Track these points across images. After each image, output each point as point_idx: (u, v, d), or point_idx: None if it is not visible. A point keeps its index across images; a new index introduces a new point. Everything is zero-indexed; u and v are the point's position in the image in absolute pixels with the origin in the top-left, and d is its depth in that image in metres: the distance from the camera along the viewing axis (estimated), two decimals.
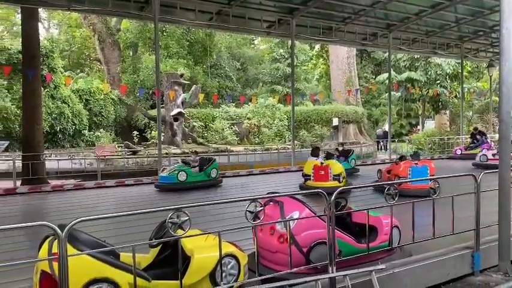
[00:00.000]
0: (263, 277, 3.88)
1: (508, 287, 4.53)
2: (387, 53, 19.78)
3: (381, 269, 3.94)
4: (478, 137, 17.32)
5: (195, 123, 23.90)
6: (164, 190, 10.77)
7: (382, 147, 27.40)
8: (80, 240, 3.47)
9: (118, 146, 21.60)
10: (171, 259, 3.90)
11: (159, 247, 4.04)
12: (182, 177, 10.88)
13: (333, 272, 3.95)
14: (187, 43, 30.61)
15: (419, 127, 32.18)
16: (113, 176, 13.36)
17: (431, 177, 5.13)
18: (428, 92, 28.41)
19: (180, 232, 3.55)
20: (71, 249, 3.09)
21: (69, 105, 23.28)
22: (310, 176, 10.35)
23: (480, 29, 19.82)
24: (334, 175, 10.00)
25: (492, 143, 16.84)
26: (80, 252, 3.19)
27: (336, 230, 4.15)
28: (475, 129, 19.19)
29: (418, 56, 27.70)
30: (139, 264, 3.94)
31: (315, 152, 11.41)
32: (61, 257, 2.89)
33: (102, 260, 3.31)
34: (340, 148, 13.38)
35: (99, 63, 35.71)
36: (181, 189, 10.71)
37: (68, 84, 23.19)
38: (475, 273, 4.99)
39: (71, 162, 14.44)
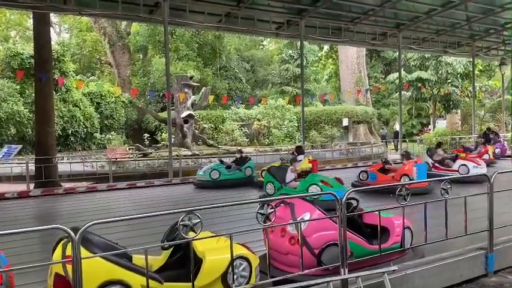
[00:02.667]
0: (274, 279, 3.88)
1: None
2: (397, 53, 19.66)
3: (393, 270, 3.91)
4: (491, 136, 17.11)
5: (205, 125, 23.98)
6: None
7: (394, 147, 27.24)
8: (93, 243, 3.51)
9: (129, 149, 21.75)
10: (183, 261, 3.92)
11: (170, 249, 4.07)
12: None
13: (344, 274, 3.93)
14: (197, 45, 30.72)
15: (430, 127, 31.90)
16: (124, 178, 13.46)
17: (445, 177, 5.09)
18: (439, 91, 28.18)
19: (191, 234, 3.57)
20: (84, 252, 3.13)
21: (80, 109, 23.51)
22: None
23: (491, 27, 19.61)
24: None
25: (505, 142, 16.67)
26: (93, 255, 3.23)
27: (347, 232, 4.14)
28: (488, 129, 19.01)
29: (429, 55, 27.49)
30: (152, 267, 3.97)
31: (300, 150, 11.87)
32: (75, 260, 2.93)
33: (115, 262, 3.35)
34: (238, 155, 12.65)
35: (109, 67, 36.02)
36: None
37: (79, 88, 23.45)
38: (488, 274, 4.93)
39: (83, 165, 14.57)
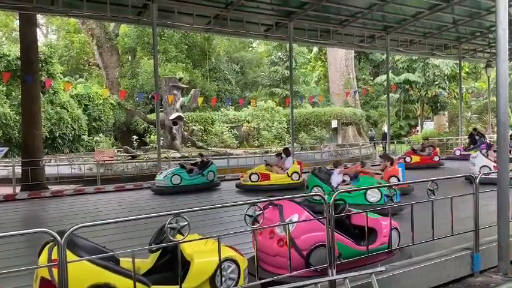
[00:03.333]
0: (263, 281, 3.88)
1: (507, 287, 4.54)
2: (385, 55, 19.83)
3: (381, 271, 3.94)
4: (476, 137, 17.34)
5: (194, 127, 23.91)
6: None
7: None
8: (80, 246, 3.48)
9: (117, 151, 21.60)
10: (171, 264, 3.90)
11: (158, 252, 4.04)
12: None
13: (332, 275, 3.95)
14: (186, 47, 30.65)
15: (418, 128, 32.22)
16: (112, 181, 13.36)
17: (432, 178, 5.14)
18: (426, 93, 28.48)
19: (179, 237, 3.56)
20: (70, 256, 3.10)
21: (68, 111, 23.29)
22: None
23: (477, 29, 19.88)
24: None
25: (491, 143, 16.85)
26: (79, 259, 3.19)
27: (335, 233, 4.16)
28: (474, 129, 19.26)
29: (416, 58, 27.77)
30: (139, 270, 3.95)
31: (287, 152, 11.95)
32: (61, 264, 2.90)
33: (102, 265, 3.32)
34: (199, 159, 12.05)
35: (97, 68, 35.76)
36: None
37: (67, 90, 23.23)
38: (474, 274, 4.98)
39: (70, 168, 14.44)
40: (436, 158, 15.19)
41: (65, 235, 2.91)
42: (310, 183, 8.64)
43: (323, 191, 7.91)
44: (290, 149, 13.30)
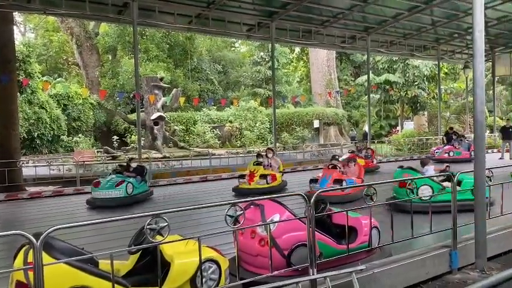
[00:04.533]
0: (244, 281, 3.87)
1: (484, 284, 4.62)
2: (366, 56, 20.05)
3: (361, 269, 3.96)
4: (454, 136, 17.60)
5: (176, 127, 23.73)
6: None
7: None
8: (57, 249, 3.41)
9: (97, 151, 21.29)
10: (151, 265, 3.86)
11: (138, 254, 4.00)
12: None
13: (313, 274, 3.97)
14: (168, 46, 30.40)
15: (398, 128, 32.65)
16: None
17: (410, 178, 5.21)
18: (406, 94, 28.88)
19: (159, 238, 3.52)
20: (47, 258, 3.04)
21: (47, 111, 22.84)
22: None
23: (455, 31, 20.27)
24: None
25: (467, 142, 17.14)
26: (56, 261, 3.13)
27: (316, 232, 4.17)
28: (450, 128, 19.56)
29: (396, 58, 28.14)
30: (119, 272, 3.89)
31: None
32: (36, 267, 2.83)
33: (79, 268, 3.26)
34: (134, 164, 10.38)
35: (77, 68, 35.18)
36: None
37: (45, 89, 22.77)
38: (453, 271, 5.07)
39: (49, 169, 14.16)
40: (374, 161, 14.72)
41: (41, 237, 2.85)
42: (418, 182, 7.27)
43: (432, 189, 7.06)
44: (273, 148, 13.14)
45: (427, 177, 6.91)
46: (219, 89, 34.15)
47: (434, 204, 5.78)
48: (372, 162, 14.47)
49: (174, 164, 16.48)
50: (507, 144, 17.46)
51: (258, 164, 10.87)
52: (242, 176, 10.65)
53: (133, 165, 10.24)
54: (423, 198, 6.52)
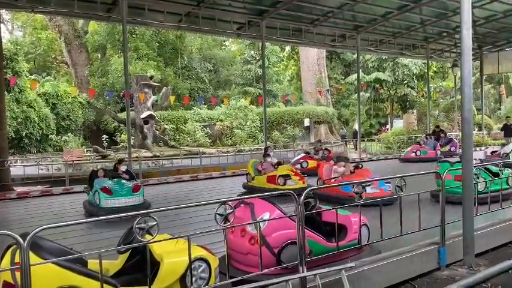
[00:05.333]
0: (233, 279, 3.87)
1: (472, 280, 4.67)
2: (356, 54, 20.14)
3: (350, 267, 3.99)
4: (442, 135, 17.67)
5: (166, 126, 23.62)
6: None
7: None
8: (45, 249, 3.38)
9: (87, 151, 21.13)
10: (141, 265, 3.84)
11: (128, 253, 3.98)
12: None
13: (303, 272, 3.98)
14: (158, 45, 30.24)
15: (388, 126, 32.86)
16: (81, 181, 13.03)
17: (399, 175, 5.25)
18: (396, 92, 29.06)
19: (148, 237, 3.51)
20: (34, 258, 3.01)
21: (35, 110, 22.59)
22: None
23: (444, 30, 20.44)
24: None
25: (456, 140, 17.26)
26: (43, 261, 3.10)
27: (306, 230, 4.19)
28: (437, 126, 19.59)
29: (386, 57, 28.30)
30: (108, 271, 3.87)
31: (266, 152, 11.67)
32: (23, 267, 2.81)
33: (67, 268, 3.24)
34: (124, 168, 9.24)
35: (66, 66, 34.84)
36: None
37: (33, 88, 22.52)
38: (441, 268, 5.12)
39: (37, 168, 14.01)
40: (332, 162, 13.72)
41: (28, 237, 2.82)
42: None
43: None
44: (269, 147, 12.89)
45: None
46: (210, 88, 34.05)
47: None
48: (328, 161, 13.15)
49: (164, 163, 16.42)
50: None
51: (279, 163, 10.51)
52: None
53: (123, 168, 9.22)
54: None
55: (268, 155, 11.32)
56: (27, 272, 2.82)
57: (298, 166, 13.29)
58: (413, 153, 16.54)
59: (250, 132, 25.92)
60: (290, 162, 13.32)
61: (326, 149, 14.69)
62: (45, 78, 29.55)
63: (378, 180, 7.56)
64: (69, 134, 24.07)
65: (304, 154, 14.75)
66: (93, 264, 3.73)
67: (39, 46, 35.58)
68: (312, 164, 13.57)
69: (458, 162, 8.17)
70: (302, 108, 29.52)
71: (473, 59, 23.91)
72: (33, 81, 22.01)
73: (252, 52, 34.65)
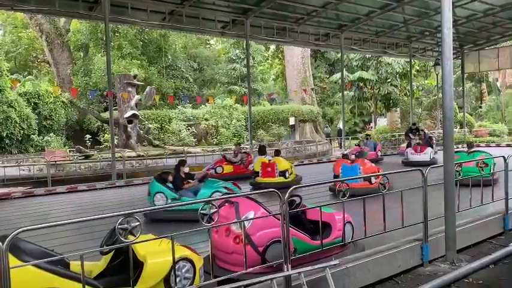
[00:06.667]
0: (218, 279, 3.86)
1: (454, 275, 4.75)
2: (340, 53, 20.27)
3: (335, 264, 4.01)
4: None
5: (150, 125, 23.42)
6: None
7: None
8: (25, 251, 3.33)
9: (69, 151, 20.82)
10: (124, 266, 3.80)
11: (111, 254, 3.93)
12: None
13: (287, 270, 3.98)
14: (141, 43, 29.95)
15: (372, 124, 33.14)
16: (64, 182, 12.86)
17: (382, 173, 5.30)
18: (379, 91, 29.32)
19: (131, 238, 3.47)
20: (14, 261, 2.95)
21: (16, 109, 22.14)
22: (258, 173, 10.86)
23: (426, 29, 20.71)
24: (280, 171, 10.52)
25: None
26: (23, 264, 3.05)
27: (290, 228, 4.19)
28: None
29: (370, 56, 28.56)
30: (91, 273, 3.82)
31: (262, 150, 11.78)
32: (2, 270, 2.75)
33: (48, 270, 3.19)
34: (186, 169, 8.47)
35: (48, 65, 34.27)
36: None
37: (14, 87, 22.09)
38: (424, 264, 5.18)
39: (18, 169, 13.76)
40: (251, 167, 12.49)
41: (7, 240, 2.76)
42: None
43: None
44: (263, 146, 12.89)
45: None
46: (194, 87, 33.87)
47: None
48: (246, 167, 12.81)
49: (148, 162, 16.27)
50: None
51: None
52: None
53: (186, 169, 8.33)
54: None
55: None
56: (7, 274, 2.76)
57: (212, 172, 12.13)
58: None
59: (235, 131, 25.88)
60: (205, 168, 12.57)
61: (245, 152, 13.67)
62: (27, 77, 29.02)
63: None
64: (51, 134, 23.67)
65: (221, 158, 13.35)
66: (75, 265, 3.68)
67: (19, 45, 34.93)
68: (228, 169, 12.60)
69: (475, 151, 10.32)
70: (287, 107, 29.58)
71: (454, 58, 24.33)
72: (14, 81, 21.62)
73: (237, 51, 34.59)
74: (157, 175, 8.23)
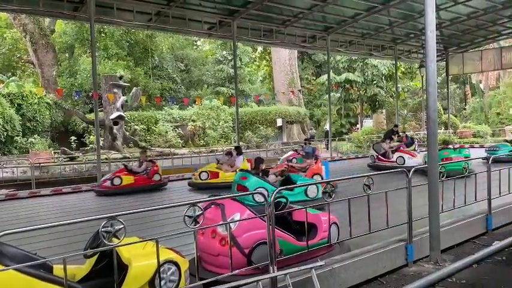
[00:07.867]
0: (204, 281, 3.84)
1: (438, 275, 4.80)
2: (326, 55, 20.39)
3: (320, 265, 4.03)
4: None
5: (136, 127, 23.26)
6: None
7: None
8: (6, 255, 3.27)
9: (54, 153, 20.56)
10: (108, 269, 3.76)
11: (95, 257, 3.89)
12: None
13: (273, 272, 3.99)
14: (127, 44, 29.73)
15: (358, 126, 33.38)
16: (49, 184, 12.70)
17: (367, 174, 5.34)
18: (366, 92, 29.56)
19: (115, 241, 3.44)
20: None
21: None
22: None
23: (411, 31, 20.94)
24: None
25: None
26: (4, 268, 3.00)
27: (276, 230, 4.19)
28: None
29: (356, 58, 28.77)
30: (75, 276, 3.78)
31: (239, 151, 12.28)
32: None
33: (30, 274, 3.14)
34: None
35: (32, 66, 33.78)
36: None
37: None
38: (408, 264, 5.23)
39: (1, 171, 13.55)
40: (157, 177, 11.66)
41: None
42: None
43: None
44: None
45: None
46: (181, 88, 33.72)
47: None
48: (151, 178, 11.57)
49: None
50: None
51: (218, 162, 11.76)
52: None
53: (263, 166, 9.11)
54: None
55: (231, 155, 12.05)
56: None
57: (109, 183, 10.96)
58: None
59: (222, 133, 25.84)
60: (102, 178, 11.46)
61: (151, 160, 12.32)
62: (10, 78, 28.57)
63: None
64: (36, 135, 23.33)
65: (122, 167, 11.83)
66: (59, 269, 3.63)
67: (3, 45, 34.37)
68: (127, 180, 11.12)
69: (461, 147, 13.33)
70: (274, 108, 29.64)
71: (439, 60, 24.64)
72: None
73: (224, 52, 34.54)
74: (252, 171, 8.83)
